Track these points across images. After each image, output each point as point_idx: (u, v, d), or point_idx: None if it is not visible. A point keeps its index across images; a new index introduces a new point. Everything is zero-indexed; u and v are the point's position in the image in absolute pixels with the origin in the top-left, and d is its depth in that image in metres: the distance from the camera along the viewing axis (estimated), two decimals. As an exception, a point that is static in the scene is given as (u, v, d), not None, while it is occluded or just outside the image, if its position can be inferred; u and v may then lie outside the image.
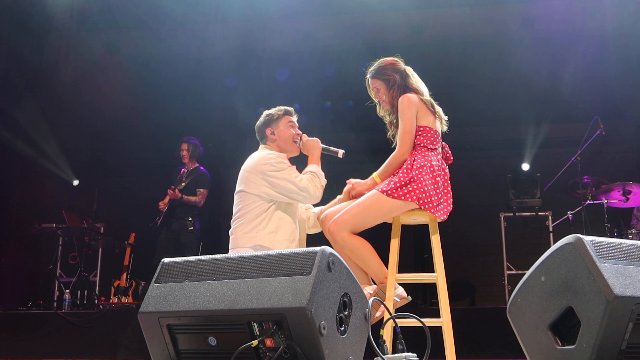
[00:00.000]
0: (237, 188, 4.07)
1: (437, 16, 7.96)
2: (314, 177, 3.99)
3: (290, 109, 4.28)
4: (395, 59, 3.99)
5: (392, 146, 3.96)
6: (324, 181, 4.04)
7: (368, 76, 4.01)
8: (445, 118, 3.91)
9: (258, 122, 4.26)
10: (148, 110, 8.68)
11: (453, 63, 8.09)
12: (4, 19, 7.61)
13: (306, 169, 4.09)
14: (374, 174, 3.90)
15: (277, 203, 3.98)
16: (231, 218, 4.12)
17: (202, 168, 7.83)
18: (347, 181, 4.03)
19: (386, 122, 4.06)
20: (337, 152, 4.17)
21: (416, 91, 3.87)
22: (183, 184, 7.58)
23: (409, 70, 3.97)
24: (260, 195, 3.95)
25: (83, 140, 9.07)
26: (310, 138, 4.22)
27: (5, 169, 8.71)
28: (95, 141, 9.16)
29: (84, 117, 8.76)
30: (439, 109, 3.89)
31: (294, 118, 4.27)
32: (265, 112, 4.25)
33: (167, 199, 7.58)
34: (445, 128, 3.94)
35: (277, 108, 4.26)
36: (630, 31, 7.46)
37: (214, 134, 8.82)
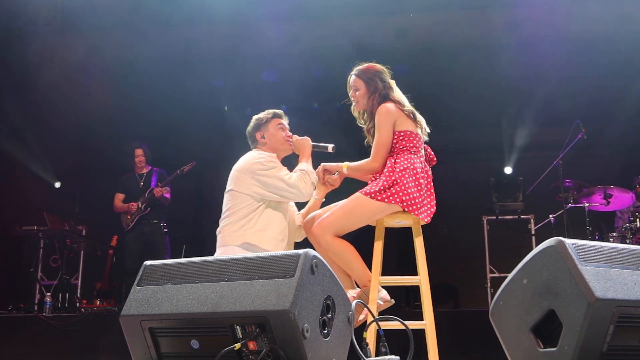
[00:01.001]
0: (227, 188, 4.07)
1: (422, 20, 7.98)
2: (304, 174, 4.00)
3: (279, 111, 4.29)
4: (384, 68, 4.01)
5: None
6: (314, 178, 4.05)
7: (353, 73, 4.02)
8: (428, 130, 3.94)
9: (248, 127, 4.27)
10: (132, 112, 8.64)
11: (437, 67, 8.12)
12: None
13: (296, 167, 4.09)
14: (346, 163, 3.97)
15: (266, 202, 3.98)
16: (219, 219, 4.11)
17: (156, 168, 7.82)
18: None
19: (359, 124, 4.10)
20: (327, 147, 4.20)
21: (396, 102, 3.88)
22: (159, 183, 7.57)
23: (393, 83, 3.99)
24: (250, 194, 3.95)
25: (65, 142, 9.00)
26: (300, 137, 4.23)
27: (-14, 171, 8.62)
28: (78, 143, 9.09)
29: (66, 118, 8.69)
30: (420, 118, 3.91)
31: (284, 120, 4.28)
32: (255, 117, 4.26)
33: (133, 204, 7.55)
34: (426, 138, 3.96)
35: (266, 112, 4.27)
36: (614, 35, 7.52)
37: (199, 137, 8.79)
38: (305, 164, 4.10)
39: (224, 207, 4.06)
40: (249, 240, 3.88)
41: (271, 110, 4.28)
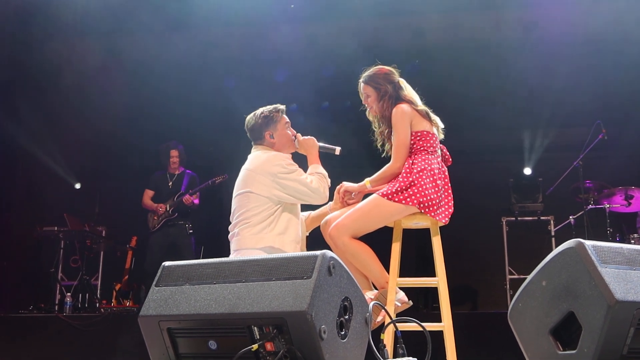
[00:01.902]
0: (242, 189, 3.97)
1: (438, 21, 7.94)
2: (322, 178, 3.99)
3: (284, 107, 4.19)
4: (391, 69, 3.99)
5: (383, 155, 3.98)
6: (329, 180, 4.04)
7: (361, 80, 4.01)
8: (442, 126, 3.92)
9: (252, 122, 4.14)
10: (151, 114, 8.68)
11: (455, 68, 8.08)
12: (8, 22, 7.63)
13: (311, 170, 4.06)
14: (367, 179, 3.92)
15: (284, 204, 3.94)
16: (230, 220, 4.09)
17: (189, 171, 7.86)
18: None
19: (375, 128, 4.07)
20: (334, 150, 4.15)
21: (409, 101, 3.87)
22: (190, 190, 7.61)
23: (403, 82, 3.97)
24: (270, 197, 3.89)
25: (85, 144, 9.08)
26: (305, 137, 4.17)
27: (7, 172, 8.72)
28: (98, 144, 9.16)
29: (86, 120, 8.76)
30: (435, 117, 3.90)
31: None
32: (261, 112, 4.13)
33: (161, 205, 7.58)
34: (442, 136, 3.95)
35: (273, 108, 4.15)
36: (633, 36, 7.44)
37: (214, 138, 8.82)
38: (318, 166, 4.08)
39: (238, 209, 3.98)
40: (271, 243, 3.84)
41: (278, 107, 4.16)
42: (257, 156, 4.07)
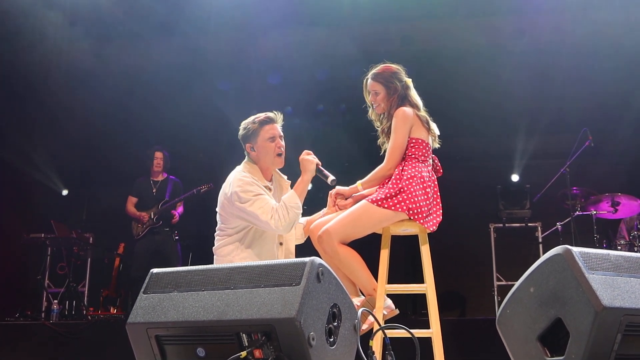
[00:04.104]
0: (217, 208, 4.00)
1: (427, 27, 7.99)
2: (281, 208, 3.76)
3: (269, 116, 4.00)
4: (400, 67, 3.96)
5: (381, 154, 3.94)
6: (294, 213, 3.79)
7: (369, 77, 3.96)
8: (438, 133, 3.91)
9: (238, 134, 4.05)
10: (138, 121, 8.66)
11: (443, 74, 8.10)
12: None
13: (284, 196, 3.88)
14: (359, 182, 3.91)
15: (252, 227, 3.89)
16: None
17: (172, 177, 7.80)
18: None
19: (376, 127, 4.04)
20: (327, 177, 3.91)
21: (414, 105, 3.87)
22: (176, 199, 7.57)
23: (410, 82, 3.94)
24: (233, 220, 3.90)
25: (73, 150, 9.04)
26: (308, 157, 3.96)
27: (-6, 178, 8.66)
28: (85, 151, 9.12)
29: (73, 126, 8.72)
30: (433, 126, 3.89)
31: (278, 124, 4.02)
32: (242, 125, 4.03)
33: (145, 214, 7.54)
34: (437, 145, 3.94)
35: (253, 119, 4.00)
36: (621, 42, 7.50)
37: (205, 145, 8.79)
38: (291, 195, 3.86)
39: (217, 225, 4.01)
40: None
41: (259, 117, 3.99)
42: (229, 178, 3.98)
